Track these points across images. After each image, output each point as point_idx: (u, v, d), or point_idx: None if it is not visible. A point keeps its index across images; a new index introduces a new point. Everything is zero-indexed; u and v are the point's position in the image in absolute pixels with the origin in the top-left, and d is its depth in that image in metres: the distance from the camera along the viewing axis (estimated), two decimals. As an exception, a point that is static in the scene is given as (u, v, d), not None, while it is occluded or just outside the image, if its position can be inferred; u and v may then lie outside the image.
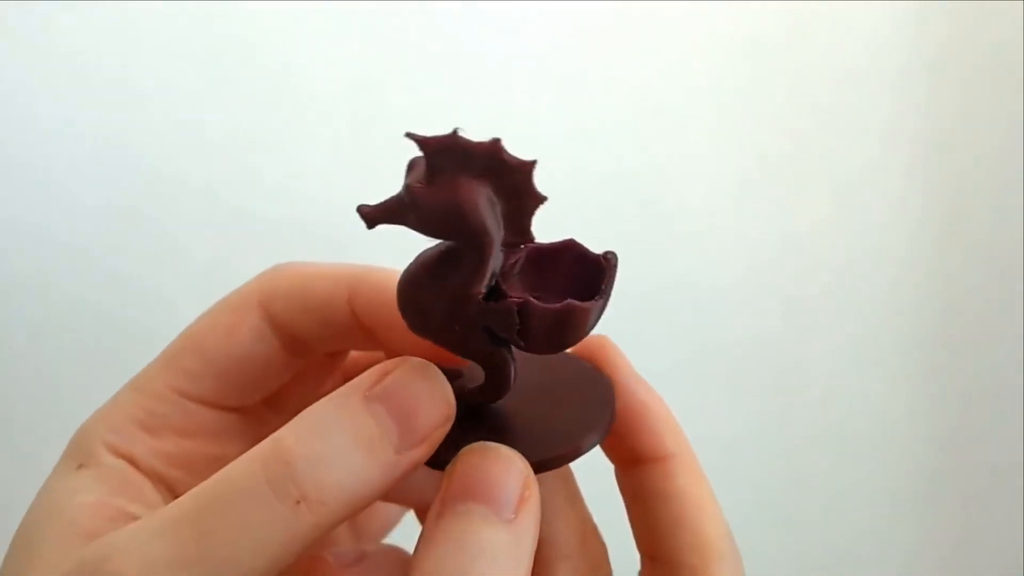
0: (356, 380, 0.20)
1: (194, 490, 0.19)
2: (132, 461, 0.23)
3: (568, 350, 0.23)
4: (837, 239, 0.60)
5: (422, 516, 0.27)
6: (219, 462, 0.21)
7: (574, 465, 0.22)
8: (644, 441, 0.22)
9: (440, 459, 0.20)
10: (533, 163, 0.19)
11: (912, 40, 0.60)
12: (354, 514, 0.19)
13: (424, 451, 0.20)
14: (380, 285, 0.23)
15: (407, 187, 0.19)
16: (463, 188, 0.19)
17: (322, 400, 0.20)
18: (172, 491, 0.23)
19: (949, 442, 0.65)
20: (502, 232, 0.20)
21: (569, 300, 0.19)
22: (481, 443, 0.20)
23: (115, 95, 0.42)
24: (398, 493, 0.27)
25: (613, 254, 0.20)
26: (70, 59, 0.41)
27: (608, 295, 0.20)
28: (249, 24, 0.44)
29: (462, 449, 0.20)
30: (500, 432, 0.21)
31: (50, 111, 0.41)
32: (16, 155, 0.41)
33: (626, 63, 0.54)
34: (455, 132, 0.18)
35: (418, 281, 0.20)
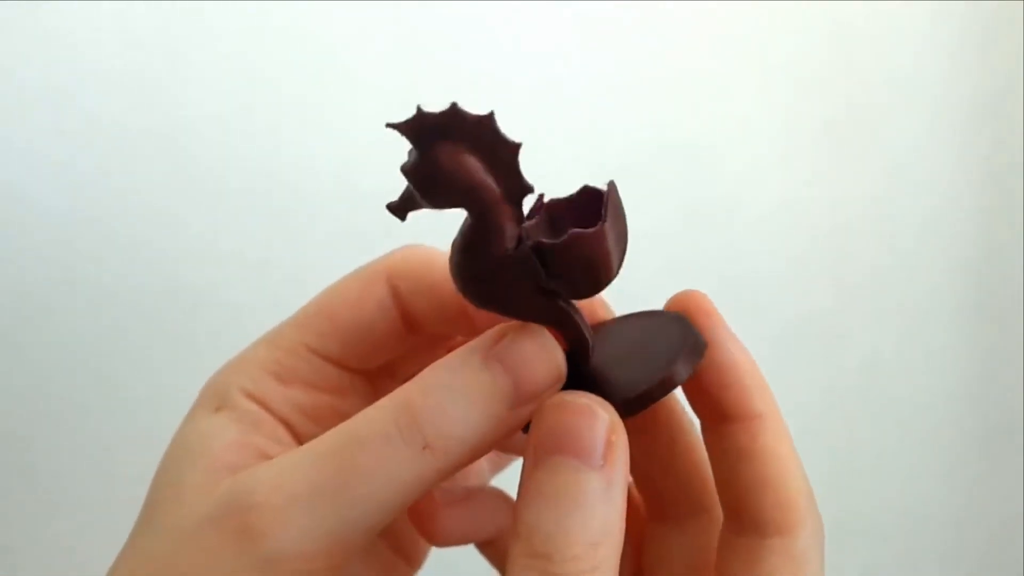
0: (476, 341, 0.22)
1: (330, 432, 0.21)
2: (265, 406, 0.24)
3: (663, 307, 0.24)
4: (886, 215, 0.60)
5: (483, 548, 0.29)
6: (341, 415, 0.24)
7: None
8: (733, 399, 0.23)
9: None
10: (490, 114, 0.20)
11: (965, 12, 0.59)
12: (471, 462, 0.21)
13: (531, 409, 0.21)
14: None
15: (400, 168, 0.20)
16: (443, 154, 0.20)
17: (446, 357, 0.22)
18: (298, 438, 0.25)
19: (995, 420, 0.64)
20: (498, 186, 0.20)
21: (572, 230, 0.20)
22: (560, 394, 0.21)
23: (159, 81, 0.43)
24: (455, 538, 0.28)
25: (612, 182, 0.21)
26: (114, 44, 0.42)
27: (610, 219, 0.20)
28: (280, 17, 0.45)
29: (545, 402, 0.21)
30: (587, 384, 0.22)
31: (95, 96, 0.42)
32: (62, 142, 0.42)
33: (672, 36, 0.53)
34: (418, 108, 0.20)
35: (458, 258, 0.21)
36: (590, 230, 0.20)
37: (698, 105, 0.54)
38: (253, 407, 0.24)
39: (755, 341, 0.57)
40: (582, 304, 0.24)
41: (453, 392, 0.21)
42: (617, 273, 0.22)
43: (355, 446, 0.20)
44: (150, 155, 0.43)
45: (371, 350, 0.26)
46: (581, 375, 0.23)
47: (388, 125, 0.20)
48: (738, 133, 0.56)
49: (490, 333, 0.22)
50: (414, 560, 0.29)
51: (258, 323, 0.27)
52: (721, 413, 0.23)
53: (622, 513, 0.20)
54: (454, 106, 0.20)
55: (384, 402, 0.21)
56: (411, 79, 0.48)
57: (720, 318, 0.24)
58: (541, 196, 0.22)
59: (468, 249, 0.21)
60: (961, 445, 0.64)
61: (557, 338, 0.22)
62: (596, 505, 0.19)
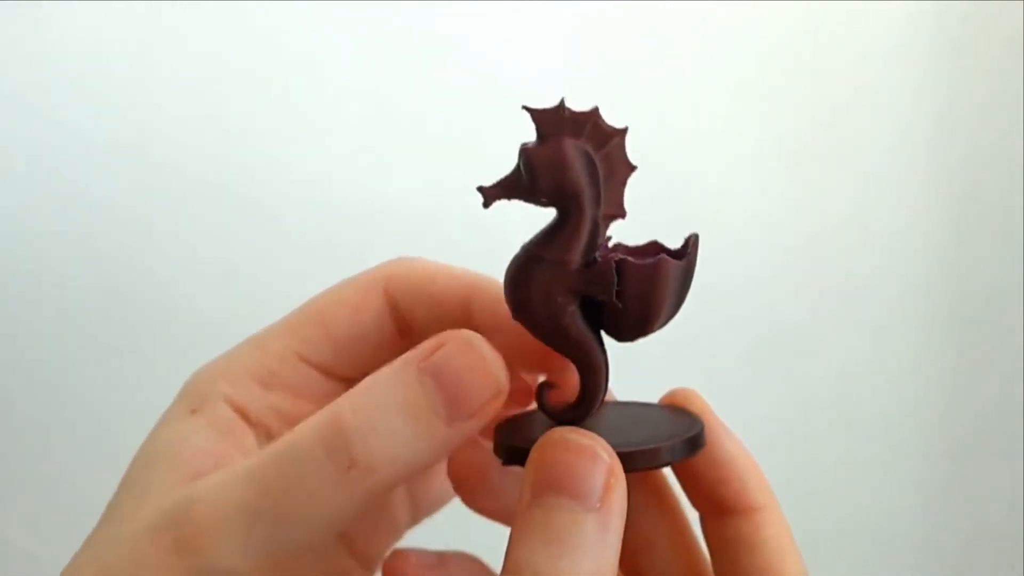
0: (412, 352, 0.21)
1: (267, 448, 0.21)
2: (244, 413, 0.24)
3: (657, 401, 0.25)
4: (857, 227, 0.60)
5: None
6: None
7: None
8: (733, 493, 0.23)
9: (520, 443, 0.21)
10: (625, 130, 0.21)
11: (933, 29, 0.59)
12: (406, 479, 0.21)
13: (474, 424, 0.21)
14: (498, 294, 0.24)
15: (520, 148, 0.21)
16: (566, 146, 0.20)
17: (380, 371, 0.21)
18: None
19: (965, 432, 0.65)
20: (601, 199, 0.21)
21: (662, 255, 0.20)
22: (563, 430, 0.20)
23: (135, 88, 0.43)
24: (493, 505, 0.27)
25: (696, 234, 0.21)
26: (87, 53, 0.42)
27: (691, 260, 0.21)
28: (263, 20, 0.45)
29: (543, 438, 0.20)
30: (592, 430, 0.21)
31: (58, 106, 0.42)
32: (34, 150, 0.41)
33: (647, 54, 0.54)
34: (561, 101, 0.20)
35: (524, 258, 0.21)
36: (677, 261, 0.20)
37: (670, 117, 0.55)
38: (230, 413, 0.24)
39: (727, 352, 0.58)
40: None
41: (383, 408, 0.20)
42: (662, 326, 0.22)
43: (284, 464, 0.20)
44: (117, 165, 0.43)
45: (363, 359, 0.26)
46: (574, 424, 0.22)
47: (524, 108, 0.20)
48: (710, 145, 0.56)
49: (426, 344, 0.21)
50: (370, 564, 0.29)
51: (232, 334, 0.27)
52: (721, 506, 0.23)
53: (615, 559, 0.19)
54: (595, 109, 0.21)
55: (316, 418, 0.20)
56: (384, 88, 0.48)
57: (714, 415, 0.24)
58: (608, 237, 0.22)
59: (540, 253, 0.21)
60: (931, 455, 0.65)
61: (567, 383, 0.22)
62: (590, 548, 0.19)
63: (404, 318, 0.26)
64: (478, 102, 0.50)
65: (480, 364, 0.21)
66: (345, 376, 0.26)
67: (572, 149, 0.20)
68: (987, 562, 0.65)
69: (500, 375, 0.21)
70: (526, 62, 0.51)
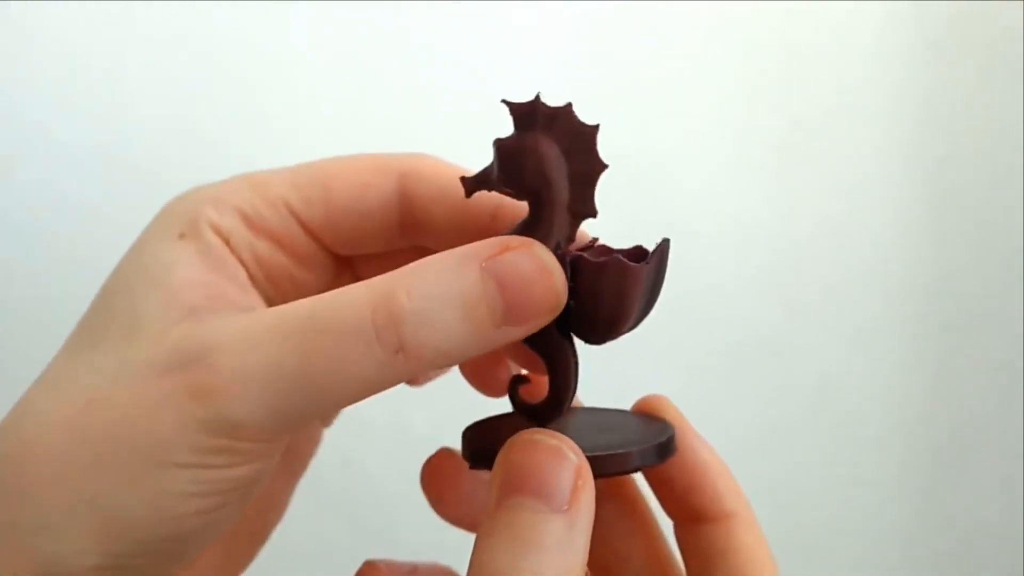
0: (474, 247, 0.20)
1: (303, 310, 0.20)
2: (230, 245, 0.23)
3: (629, 408, 0.25)
4: (836, 232, 0.61)
5: None
6: (297, 284, 0.23)
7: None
8: (706, 500, 0.23)
9: (489, 455, 0.21)
10: (597, 126, 0.21)
11: (914, 30, 0.60)
12: (441, 369, 0.21)
13: (523, 331, 0.20)
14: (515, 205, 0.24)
15: (494, 142, 0.21)
16: (538, 140, 0.21)
17: (441, 259, 0.20)
18: (256, 289, 0.24)
19: (945, 438, 0.65)
20: (567, 194, 0.21)
21: (616, 255, 0.20)
22: (530, 431, 0.20)
23: (109, 92, 0.42)
24: (463, 514, 0.27)
25: (667, 239, 0.21)
26: (62, 54, 0.41)
27: (653, 267, 0.21)
28: (247, 20, 0.44)
29: (511, 439, 0.20)
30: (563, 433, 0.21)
31: (43, 108, 0.41)
32: (5, 151, 0.41)
33: (626, 56, 0.54)
34: (536, 96, 0.21)
35: None
36: (635, 265, 0.20)
37: (649, 120, 0.55)
38: (218, 242, 0.23)
39: (706, 355, 0.58)
40: None
41: (441, 300, 0.19)
42: (632, 328, 0.22)
43: (325, 333, 0.19)
44: (92, 169, 0.42)
45: (355, 237, 0.25)
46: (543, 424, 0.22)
47: (503, 101, 0.21)
48: (689, 149, 0.57)
49: (491, 242, 0.20)
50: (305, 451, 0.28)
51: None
52: (695, 514, 0.23)
53: (582, 562, 0.19)
54: (568, 105, 0.21)
55: (362, 292, 0.20)
56: (362, 92, 0.48)
57: (686, 422, 0.24)
58: (596, 239, 0.22)
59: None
60: (911, 461, 0.65)
61: (538, 382, 0.23)
62: (556, 549, 0.19)
63: (415, 213, 0.25)
64: (459, 105, 0.50)
65: (544, 276, 0.20)
66: (331, 246, 0.25)
67: (540, 143, 0.21)
68: (968, 565, 0.66)
69: (561, 290, 0.21)
70: (507, 64, 0.51)
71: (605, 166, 0.21)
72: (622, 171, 0.55)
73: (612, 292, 0.20)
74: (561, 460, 0.19)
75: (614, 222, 0.53)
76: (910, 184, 0.62)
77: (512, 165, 0.21)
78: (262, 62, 0.46)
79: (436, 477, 0.26)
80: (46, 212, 0.42)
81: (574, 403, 0.24)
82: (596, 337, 0.22)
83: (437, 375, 0.28)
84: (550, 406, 0.23)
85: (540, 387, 0.23)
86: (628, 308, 0.21)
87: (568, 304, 0.21)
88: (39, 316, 0.42)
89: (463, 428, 0.24)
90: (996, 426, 0.64)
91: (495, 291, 0.20)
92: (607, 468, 0.21)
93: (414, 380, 0.27)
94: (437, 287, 0.19)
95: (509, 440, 0.20)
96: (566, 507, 0.19)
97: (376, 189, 0.24)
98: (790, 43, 0.58)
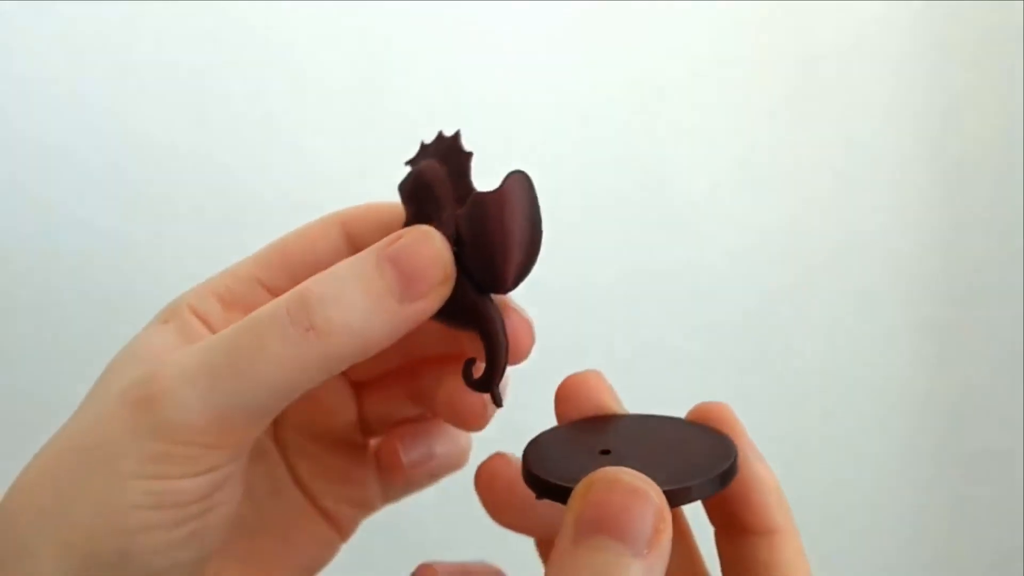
0: (376, 244, 0.23)
1: (236, 323, 0.23)
2: (206, 322, 0.26)
3: (686, 416, 0.25)
4: (844, 199, 0.61)
5: (542, 548, 0.28)
6: None
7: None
8: (754, 513, 0.23)
9: (557, 480, 0.21)
10: (456, 132, 0.25)
11: (914, 22, 0.60)
12: (361, 354, 0.23)
13: (426, 305, 0.23)
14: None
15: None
16: (424, 165, 0.25)
17: (347, 259, 0.23)
18: None
19: (952, 403, 0.65)
20: (454, 187, 0.25)
21: (475, 192, 0.24)
22: (615, 470, 0.20)
23: (112, 90, 0.42)
24: (522, 521, 0.27)
25: (516, 171, 0.24)
26: (67, 52, 0.41)
27: (516, 191, 0.23)
28: (246, 20, 0.44)
29: (594, 473, 0.20)
30: (625, 460, 0.21)
31: (57, 96, 0.41)
32: (30, 137, 0.41)
33: (626, 50, 0.54)
34: (420, 143, 0.26)
35: None
36: (489, 191, 0.23)
37: (664, 128, 0.55)
38: (195, 321, 0.26)
39: (711, 328, 0.58)
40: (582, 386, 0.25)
41: (343, 281, 0.22)
42: (526, 264, 0.24)
43: (249, 328, 0.22)
44: (98, 177, 0.42)
45: None
46: (612, 450, 0.22)
47: (407, 163, 0.26)
48: (704, 154, 0.56)
49: (389, 236, 0.24)
50: (342, 530, 0.30)
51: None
52: (741, 525, 0.23)
53: None
54: (439, 132, 0.26)
55: (281, 296, 0.23)
56: (369, 91, 0.48)
57: (745, 434, 0.24)
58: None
59: None
60: (917, 433, 0.65)
61: (476, 349, 0.25)
62: None
63: (360, 249, 0.27)
64: (464, 105, 0.50)
65: (431, 251, 0.23)
66: None
67: (425, 165, 0.25)
68: (975, 547, 0.66)
69: (448, 261, 0.24)
70: (509, 63, 0.51)
71: (469, 154, 0.25)
72: (635, 181, 0.55)
73: (490, 225, 0.23)
74: (644, 503, 0.19)
75: (628, 231, 0.53)
76: (919, 156, 0.62)
77: (403, 190, 0.26)
78: (270, 61, 0.46)
79: (493, 484, 0.26)
80: (55, 208, 0.42)
81: (624, 411, 0.25)
82: (498, 278, 0.24)
83: (401, 491, 0.30)
84: (489, 367, 0.24)
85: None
86: (509, 232, 0.23)
87: (465, 258, 0.24)
88: (46, 315, 0.42)
89: (525, 447, 0.24)
90: (998, 403, 0.64)
91: (388, 266, 0.23)
92: (677, 502, 0.21)
93: (471, 420, 0.27)
94: (341, 274, 0.23)
95: (589, 478, 0.20)
96: (647, 551, 0.19)
97: (324, 239, 0.27)
98: (804, 48, 0.57)
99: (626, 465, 0.20)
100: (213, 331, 0.25)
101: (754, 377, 0.60)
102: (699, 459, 0.22)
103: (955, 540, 0.66)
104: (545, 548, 0.28)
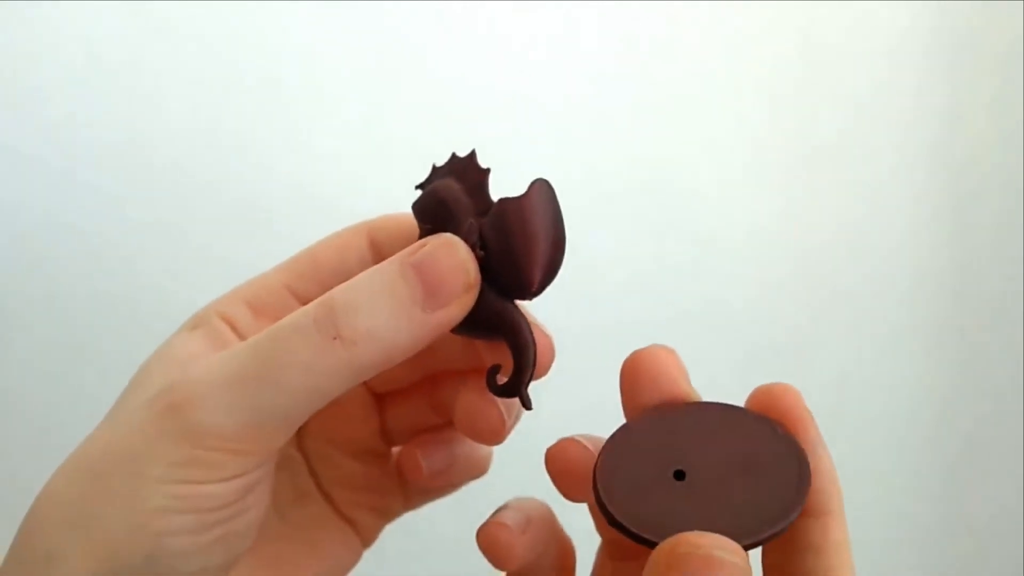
0: (400, 252, 0.24)
1: (265, 330, 0.23)
2: (234, 328, 0.26)
3: (751, 401, 0.25)
4: (857, 236, 0.60)
5: (611, 549, 0.28)
6: None
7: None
8: (813, 499, 0.23)
9: (635, 528, 0.21)
10: (472, 152, 0.26)
11: (933, 27, 0.59)
12: (387, 362, 0.23)
13: (450, 313, 0.23)
14: None
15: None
16: (438, 184, 0.26)
17: (371, 267, 0.24)
18: None
19: (962, 443, 0.65)
20: (469, 200, 0.25)
21: (500, 198, 0.24)
22: (696, 535, 0.20)
23: (126, 87, 0.43)
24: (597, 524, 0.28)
25: (539, 179, 0.24)
26: (82, 51, 0.42)
27: (540, 205, 0.24)
28: (259, 16, 0.45)
29: (682, 535, 0.20)
30: (704, 505, 0.22)
31: (62, 103, 0.42)
32: (29, 147, 0.41)
33: (640, 59, 0.54)
34: (432, 166, 0.27)
35: None
36: (514, 197, 0.23)
37: (672, 127, 0.55)
38: (223, 327, 0.26)
39: (727, 361, 0.58)
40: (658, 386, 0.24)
41: (369, 292, 0.23)
42: (551, 268, 0.24)
43: (277, 336, 0.22)
44: (116, 167, 0.43)
45: None
46: (690, 487, 0.23)
47: (417, 187, 0.27)
48: (711, 153, 0.56)
49: (414, 244, 0.24)
50: (364, 536, 0.30)
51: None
52: None
53: None
54: (452, 154, 0.26)
55: (308, 305, 0.23)
56: (379, 89, 0.48)
57: (813, 423, 0.24)
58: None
59: None
60: (932, 462, 0.65)
61: (495, 361, 0.25)
62: None
63: (386, 257, 0.28)
64: (473, 105, 0.50)
65: (455, 259, 0.23)
66: None
67: (439, 184, 0.26)
68: (985, 567, 0.65)
69: (472, 269, 0.24)
70: (520, 64, 0.51)
71: (486, 171, 0.25)
72: (644, 180, 0.55)
73: (515, 228, 0.23)
74: (732, 572, 0.20)
75: (637, 230, 0.52)
76: (931, 188, 0.62)
77: (422, 210, 0.26)
78: (283, 57, 0.46)
79: (563, 466, 0.26)
80: (70, 204, 0.43)
81: (694, 395, 0.25)
82: (524, 282, 0.24)
83: (421, 500, 0.31)
84: (516, 371, 0.24)
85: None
86: (534, 236, 0.23)
87: (490, 265, 0.24)
88: (55, 307, 0.43)
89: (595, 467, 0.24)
90: (1013, 430, 0.64)
91: (412, 274, 0.23)
92: (753, 547, 0.21)
93: (489, 434, 0.27)
94: (367, 283, 0.23)
95: (672, 544, 0.20)
96: None
97: (352, 248, 0.28)
98: (812, 48, 0.57)
99: (701, 503, 0.22)
100: (242, 338, 0.26)
101: (763, 375, 0.60)
102: (774, 485, 0.23)
103: (967, 567, 0.66)
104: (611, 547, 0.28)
